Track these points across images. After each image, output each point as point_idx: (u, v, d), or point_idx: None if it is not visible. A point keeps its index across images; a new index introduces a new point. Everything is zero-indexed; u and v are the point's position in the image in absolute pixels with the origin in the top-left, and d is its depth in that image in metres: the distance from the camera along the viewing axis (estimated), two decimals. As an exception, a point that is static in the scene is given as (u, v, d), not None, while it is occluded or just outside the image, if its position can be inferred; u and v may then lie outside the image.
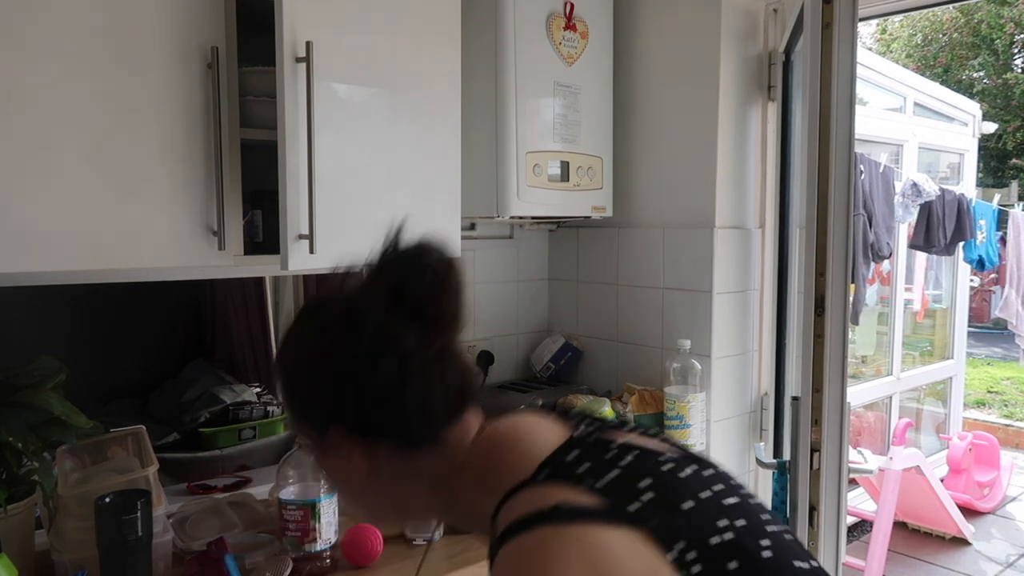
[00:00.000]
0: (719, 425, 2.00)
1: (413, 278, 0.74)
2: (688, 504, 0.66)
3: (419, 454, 0.76)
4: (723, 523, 0.65)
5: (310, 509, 1.34)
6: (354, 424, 0.75)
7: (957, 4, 3.63)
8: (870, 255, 3.75)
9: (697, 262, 1.96)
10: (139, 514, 1.16)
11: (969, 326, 5.45)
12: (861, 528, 3.84)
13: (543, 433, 0.76)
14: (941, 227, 4.33)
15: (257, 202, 1.53)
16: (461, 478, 0.76)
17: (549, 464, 0.70)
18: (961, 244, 4.62)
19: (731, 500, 0.69)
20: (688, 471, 0.71)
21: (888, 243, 3.86)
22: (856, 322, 3.71)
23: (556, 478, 0.67)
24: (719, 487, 0.70)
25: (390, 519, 0.85)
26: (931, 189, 4.17)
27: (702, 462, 0.74)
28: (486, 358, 2.13)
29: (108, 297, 3.31)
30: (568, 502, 0.64)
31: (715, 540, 0.64)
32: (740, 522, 0.66)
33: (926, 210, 4.25)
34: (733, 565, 0.63)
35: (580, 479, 0.66)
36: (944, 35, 11.52)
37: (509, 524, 0.65)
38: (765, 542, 0.66)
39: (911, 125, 4.40)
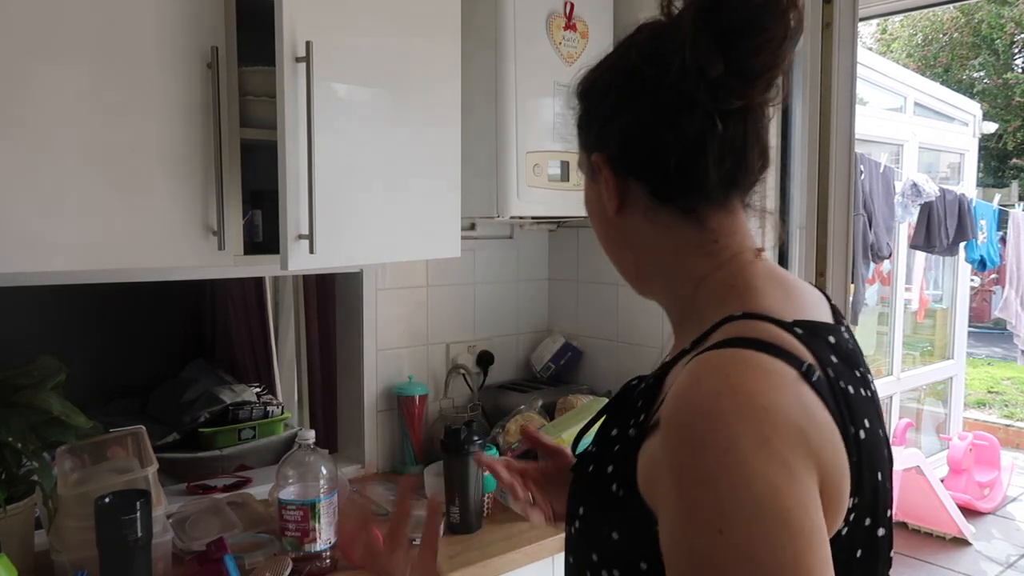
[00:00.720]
0: (719, 425, 2.00)
1: (744, 14, 0.62)
2: (878, 476, 0.62)
3: (671, 217, 0.69)
4: (878, 517, 0.63)
5: (310, 509, 1.34)
6: (615, 156, 0.69)
7: (957, 4, 3.63)
8: (870, 255, 3.75)
9: (697, 262, 1.96)
10: (139, 514, 1.16)
11: (969, 326, 5.45)
12: (861, 528, 3.84)
13: (815, 302, 0.69)
14: (943, 227, 4.33)
15: (257, 202, 1.53)
16: (715, 277, 0.69)
17: (807, 327, 0.62)
18: (963, 244, 4.62)
19: (889, 509, 0.67)
20: (886, 451, 0.67)
21: (888, 243, 3.86)
22: (855, 322, 3.72)
23: (808, 344, 0.60)
24: (890, 492, 0.67)
25: (626, 274, 0.77)
26: (931, 189, 4.17)
27: (892, 457, 0.70)
28: (486, 358, 2.13)
29: (108, 297, 3.32)
30: (816, 370, 0.58)
31: (867, 523, 0.61)
32: (881, 531, 0.64)
33: (927, 210, 4.24)
34: (859, 554, 0.62)
35: (827, 363, 0.60)
36: (944, 35, 11.52)
37: (743, 336, 0.59)
38: (883, 567, 0.66)
39: (911, 125, 4.40)
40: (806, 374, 0.57)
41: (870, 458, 0.60)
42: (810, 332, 0.62)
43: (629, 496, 0.62)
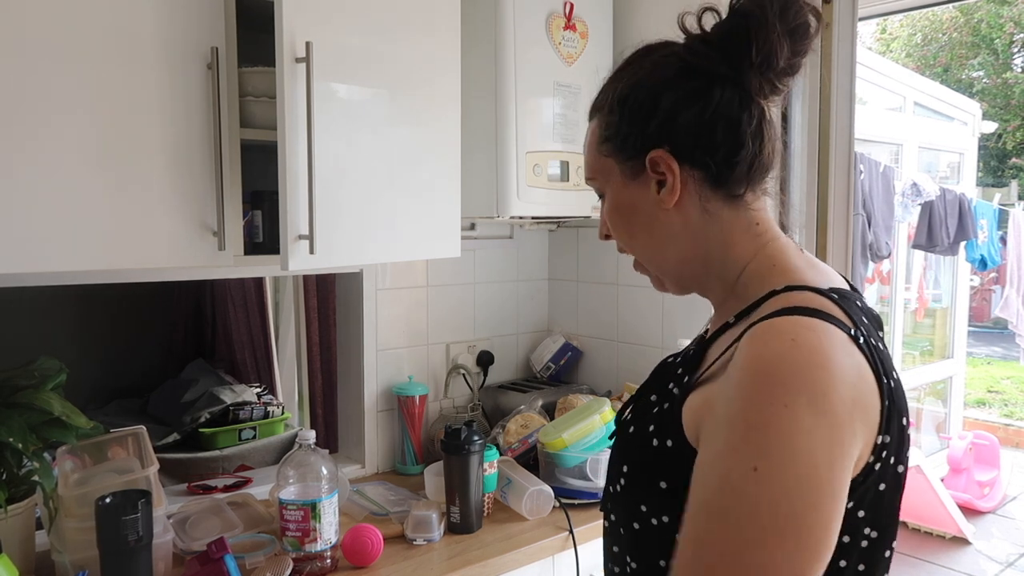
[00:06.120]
0: (719, 425, 2.00)
1: (774, 16, 0.72)
2: (904, 420, 0.69)
3: (720, 204, 0.77)
4: (901, 456, 0.69)
5: (310, 509, 1.34)
6: (679, 148, 0.75)
7: (957, 4, 3.63)
8: (868, 255, 3.75)
9: (697, 262, 1.96)
10: (139, 514, 1.16)
11: (969, 325, 5.45)
12: (861, 528, 3.84)
13: (835, 275, 0.79)
14: (943, 226, 4.33)
15: (257, 202, 1.53)
16: (760, 257, 0.77)
17: (840, 293, 0.71)
18: (963, 243, 4.62)
19: (908, 450, 0.72)
20: (903, 399, 0.73)
21: (887, 243, 3.86)
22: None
23: (843, 307, 0.69)
24: (909, 436, 0.73)
25: (666, 271, 0.84)
26: (931, 189, 4.17)
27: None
28: (486, 358, 2.13)
29: (108, 297, 3.32)
30: (861, 333, 0.66)
31: (892, 460, 0.68)
32: (901, 467, 0.69)
33: (927, 210, 4.24)
34: (883, 487, 0.68)
35: (860, 323, 0.68)
36: (944, 35, 11.51)
37: (797, 305, 0.67)
38: (899, 500, 0.71)
39: (911, 125, 4.40)
40: (854, 337, 0.65)
41: (899, 403, 0.68)
42: (843, 297, 0.70)
43: (676, 446, 0.70)
